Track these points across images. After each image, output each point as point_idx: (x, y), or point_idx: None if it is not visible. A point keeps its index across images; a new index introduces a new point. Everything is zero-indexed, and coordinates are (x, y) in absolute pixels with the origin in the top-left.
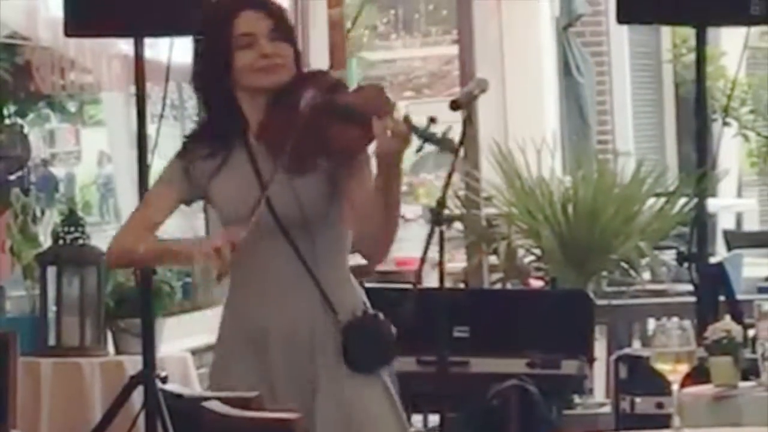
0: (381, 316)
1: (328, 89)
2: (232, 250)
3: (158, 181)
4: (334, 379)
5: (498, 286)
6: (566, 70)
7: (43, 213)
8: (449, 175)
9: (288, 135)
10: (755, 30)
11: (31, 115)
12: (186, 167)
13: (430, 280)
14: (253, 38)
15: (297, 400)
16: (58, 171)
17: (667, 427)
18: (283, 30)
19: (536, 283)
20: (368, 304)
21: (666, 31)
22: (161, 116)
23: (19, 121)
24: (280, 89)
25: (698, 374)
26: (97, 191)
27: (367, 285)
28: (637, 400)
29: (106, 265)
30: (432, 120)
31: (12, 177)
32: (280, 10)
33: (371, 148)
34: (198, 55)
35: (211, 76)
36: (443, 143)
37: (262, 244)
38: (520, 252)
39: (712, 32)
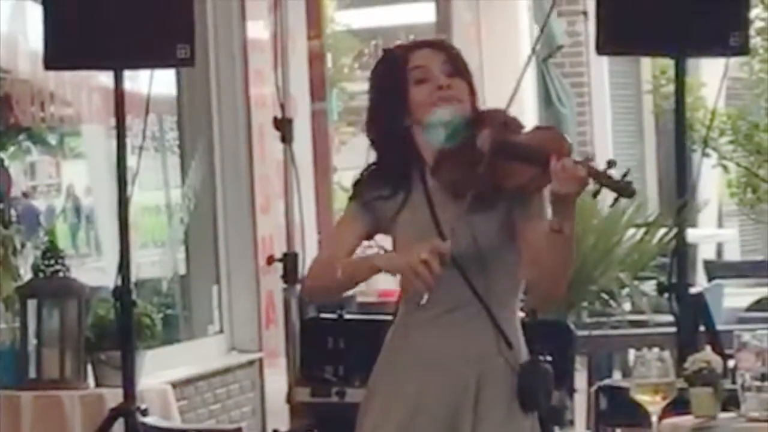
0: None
1: (504, 128)
2: (442, 264)
3: (337, 224)
4: (495, 413)
5: None
6: (547, 100)
7: (23, 246)
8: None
9: (464, 173)
10: (734, 61)
11: (11, 148)
12: (365, 204)
13: None
14: (427, 71)
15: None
16: (38, 203)
17: None
18: (458, 66)
19: None
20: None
21: (646, 62)
22: (141, 148)
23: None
24: None
25: (678, 405)
26: (65, 221)
27: (348, 316)
28: (618, 431)
29: (305, 297)
30: (610, 164)
31: None
32: (455, 49)
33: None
34: (373, 94)
35: (388, 113)
36: (621, 188)
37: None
38: None
39: (691, 63)
